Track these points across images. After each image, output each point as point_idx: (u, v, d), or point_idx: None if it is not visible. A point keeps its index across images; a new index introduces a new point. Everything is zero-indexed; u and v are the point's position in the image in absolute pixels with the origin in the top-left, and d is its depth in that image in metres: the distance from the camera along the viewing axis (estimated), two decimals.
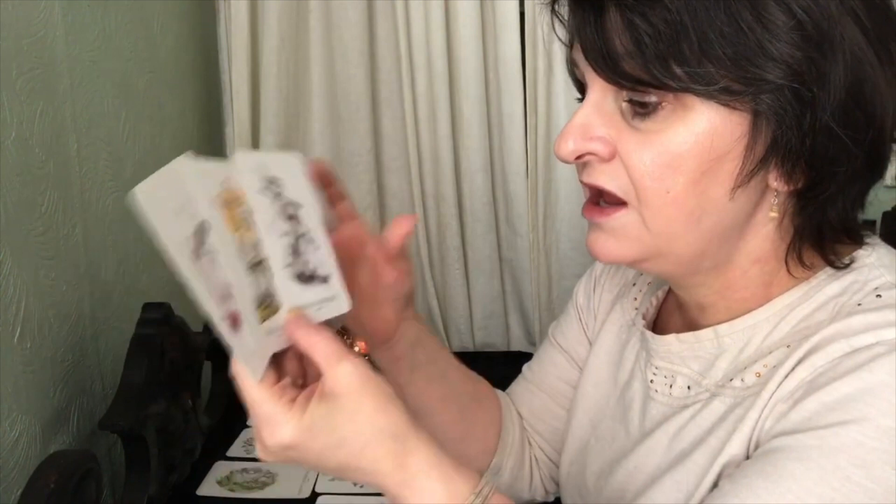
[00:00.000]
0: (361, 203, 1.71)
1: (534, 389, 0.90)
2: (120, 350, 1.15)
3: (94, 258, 1.18)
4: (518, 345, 1.80)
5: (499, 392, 0.91)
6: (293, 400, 0.58)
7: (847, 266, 0.63)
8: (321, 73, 1.65)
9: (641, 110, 0.58)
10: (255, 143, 1.65)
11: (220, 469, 1.26)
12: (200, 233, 0.56)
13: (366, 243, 0.71)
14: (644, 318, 0.77)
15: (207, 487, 1.21)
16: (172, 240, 0.54)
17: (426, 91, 1.65)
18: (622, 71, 0.57)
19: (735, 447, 0.61)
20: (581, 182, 0.64)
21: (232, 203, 0.59)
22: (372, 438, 0.57)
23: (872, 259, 0.63)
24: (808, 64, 0.55)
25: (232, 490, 1.20)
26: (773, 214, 0.62)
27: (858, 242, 0.64)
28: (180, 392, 1.23)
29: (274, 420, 0.57)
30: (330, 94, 1.67)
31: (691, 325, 0.71)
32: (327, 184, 0.70)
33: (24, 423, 1.00)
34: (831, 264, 0.63)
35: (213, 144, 1.68)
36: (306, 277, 0.63)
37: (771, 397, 0.60)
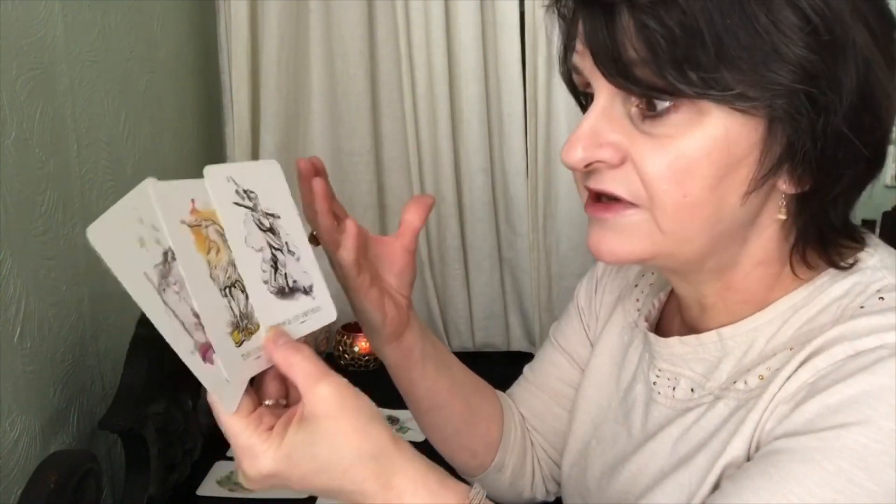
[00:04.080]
0: (361, 203, 1.71)
1: (534, 390, 0.90)
2: (120, 350, 1.15)
3: (94, 258, 1.16)
4: (518, 345, 1.80)
5: (497, 392, 0.91)
6: (271, 428, 0.58)
7: (850, 267, 0.63)
8: (321, 73, 1.65)
9: (651, 114, 0.57)
10: (255, 143, 1.64)
11: (220, 469, 1.26)
12: (167, 261, 0.54)
13: (366, 237, 0.72)
14: (646, 320, 0.77)
15: (207, 487, 1.21)
16: (132, 276, 0.52)
17: (426, 91, 1.64)
18: (634, 77, 0.55)
19: (736, 448, 0.61)
20: (585, 188, 0.62)
21: (202, 223, 0.57)
22: (354, 461, 0.57)
23: (875, 261, 0.63)
24: (822, 67, 0.54)
25: (232, 490, 1.20)
26: (782, 217, 0.61)
27: (859, 243, 0.64)
28: (180, 392, 1.23)
29: (252, 451, 0.57)
30: (330, 94, 1.67)
31: (692, 328, 0.71)
32: (320, 174, 0.70)
33: (24, 423, 1.00)
34: (834, 265, 0.63)
35: (213, 144, 1.67)
36: (287, 291, 0.62)
37: (773, 399, 0.60)
